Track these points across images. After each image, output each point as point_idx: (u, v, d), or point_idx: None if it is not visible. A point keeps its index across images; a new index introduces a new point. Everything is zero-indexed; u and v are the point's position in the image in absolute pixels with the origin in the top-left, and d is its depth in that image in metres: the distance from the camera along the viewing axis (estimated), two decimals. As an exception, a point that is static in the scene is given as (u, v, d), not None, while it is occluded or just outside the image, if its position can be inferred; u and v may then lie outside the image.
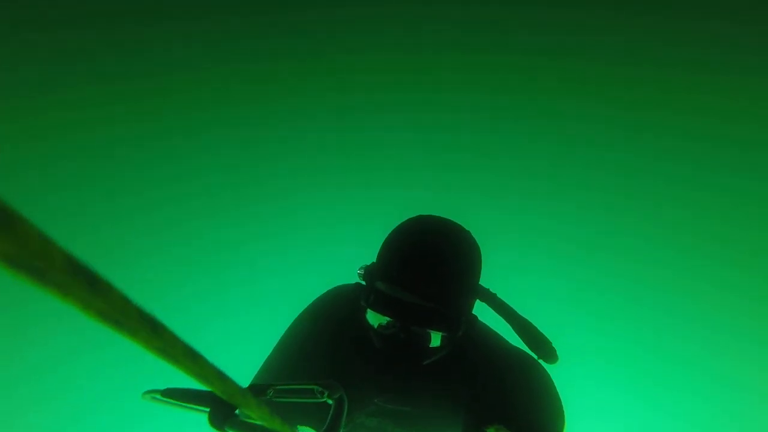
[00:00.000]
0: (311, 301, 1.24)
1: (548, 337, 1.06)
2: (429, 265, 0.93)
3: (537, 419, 0.94)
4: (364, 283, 1.01)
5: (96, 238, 4.04)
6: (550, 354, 1.04)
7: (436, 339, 0.96)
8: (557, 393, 1.02)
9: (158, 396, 0.91)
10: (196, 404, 0.80)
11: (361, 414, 1.15)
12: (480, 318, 1.07)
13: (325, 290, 1.26)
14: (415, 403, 1.09)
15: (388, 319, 0.95)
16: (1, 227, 0.21)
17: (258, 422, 0.67)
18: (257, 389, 0.77)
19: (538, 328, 1.07)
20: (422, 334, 0.94)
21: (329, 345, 1.14)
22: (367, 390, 1.06)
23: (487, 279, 1.12)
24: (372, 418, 1.16)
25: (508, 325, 1.10)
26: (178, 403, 0.83)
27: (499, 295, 1.11)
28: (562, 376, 1.09)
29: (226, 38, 4.02)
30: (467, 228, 1.05)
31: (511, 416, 0.94)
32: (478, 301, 1.08)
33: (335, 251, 4.05)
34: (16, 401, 3.78)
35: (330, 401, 0.78)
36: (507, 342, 1.14)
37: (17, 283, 0.23)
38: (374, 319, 0.98)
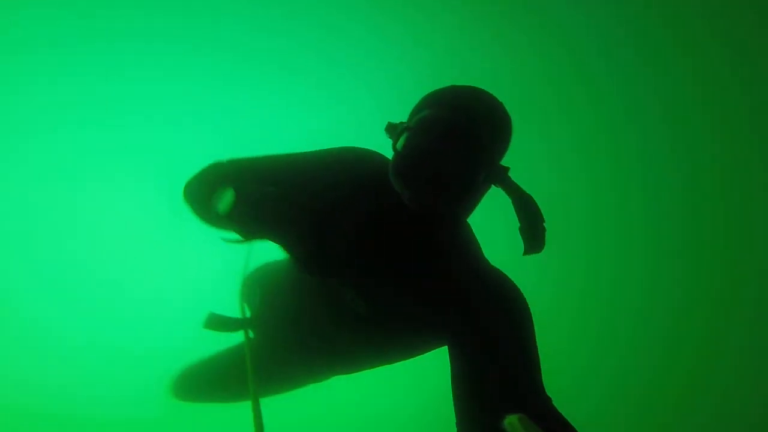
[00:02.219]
0: (335, 147, 1.13)
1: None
2: (478, 97, 0.93)
3: (522, 362, 0.88)
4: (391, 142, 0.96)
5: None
6: (537, 248, 0.93)
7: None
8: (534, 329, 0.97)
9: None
10: None
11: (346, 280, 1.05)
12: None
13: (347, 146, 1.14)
14: (401, 281, 1.01)
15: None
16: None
17: None
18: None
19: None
20: (454, 158, 0.88)
21: (338, 191, 1.05)
22: (362, 252, 1.01)
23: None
24: (349, 289, 1.05)
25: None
26: None
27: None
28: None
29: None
30: None
31: (498, 355, 0.88)
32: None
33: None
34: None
35: None
36: (488, 262, 1.05)
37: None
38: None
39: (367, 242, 1.00)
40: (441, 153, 0.87)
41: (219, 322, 1.35)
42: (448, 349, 0.96)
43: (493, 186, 0.99)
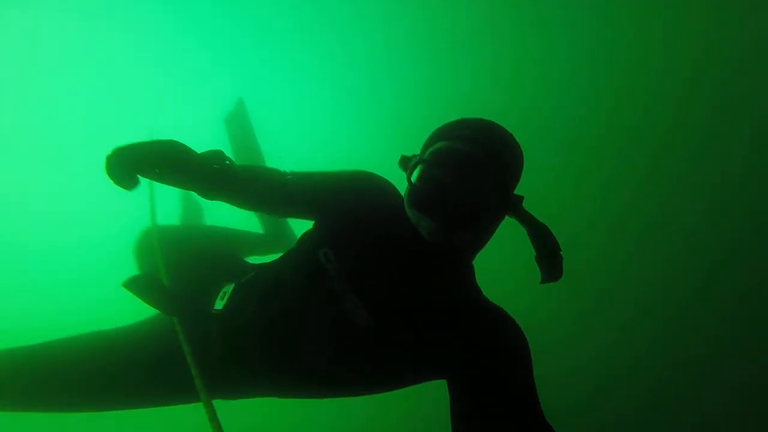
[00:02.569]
0: (357, 170, 1.15)
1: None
2: (491, 129, 0.94)
3: (525, 396, 0.89)
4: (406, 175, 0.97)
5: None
6: (555, 276, 0.93)
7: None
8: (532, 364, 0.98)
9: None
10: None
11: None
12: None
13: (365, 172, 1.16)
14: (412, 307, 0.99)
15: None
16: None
17: None
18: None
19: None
20: (469, 192, 0.89)
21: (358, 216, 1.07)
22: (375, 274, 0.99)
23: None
24: (352, 297, 0.99)
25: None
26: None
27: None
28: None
29: None
30: None
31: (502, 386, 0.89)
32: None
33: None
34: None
35: None
36: (488, 299, 1.07)
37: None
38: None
39: (376, 259, 1.00)
40: (456, 185, 0.88)
41: (151, 290, 1.12)
42: (448, 383, 0.96)
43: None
